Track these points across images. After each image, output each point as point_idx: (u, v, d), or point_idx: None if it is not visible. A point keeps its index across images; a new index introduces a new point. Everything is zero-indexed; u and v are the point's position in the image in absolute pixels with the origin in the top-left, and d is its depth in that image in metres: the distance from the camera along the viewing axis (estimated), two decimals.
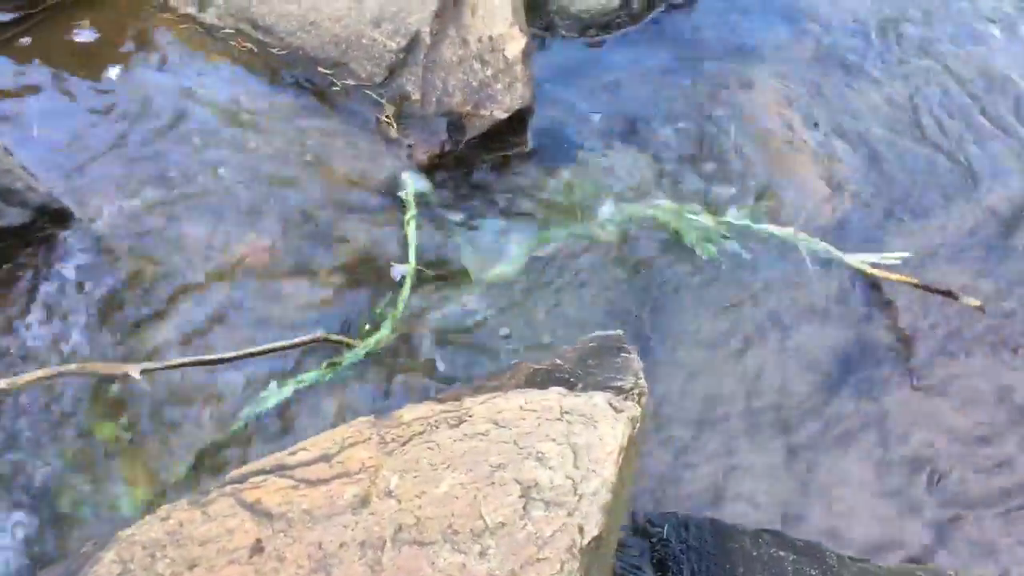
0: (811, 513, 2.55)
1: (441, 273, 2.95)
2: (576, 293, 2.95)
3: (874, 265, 3.04)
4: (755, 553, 2.25)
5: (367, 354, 2.72)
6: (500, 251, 3.04)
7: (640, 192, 3.27)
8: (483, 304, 2.90)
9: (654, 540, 2.36)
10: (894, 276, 3.01)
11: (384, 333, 2.76)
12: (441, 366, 2.72)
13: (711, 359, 2.85)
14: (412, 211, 3.03)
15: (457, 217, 3.10)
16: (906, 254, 3.06)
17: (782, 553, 2.26)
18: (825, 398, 2.79)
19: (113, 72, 3.35)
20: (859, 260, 3.06)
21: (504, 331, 2.84)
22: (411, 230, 2.99)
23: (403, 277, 2.90)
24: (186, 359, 2.55)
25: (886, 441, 2.71)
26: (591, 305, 2.93)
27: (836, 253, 3.07)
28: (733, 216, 3.20)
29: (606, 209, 3.19)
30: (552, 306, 2.91)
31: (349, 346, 2.72)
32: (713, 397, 2.76)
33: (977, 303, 2.95)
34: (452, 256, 3.01)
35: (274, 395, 2.62)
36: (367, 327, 2.78)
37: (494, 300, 2.91)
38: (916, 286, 3.00)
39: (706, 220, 3.17)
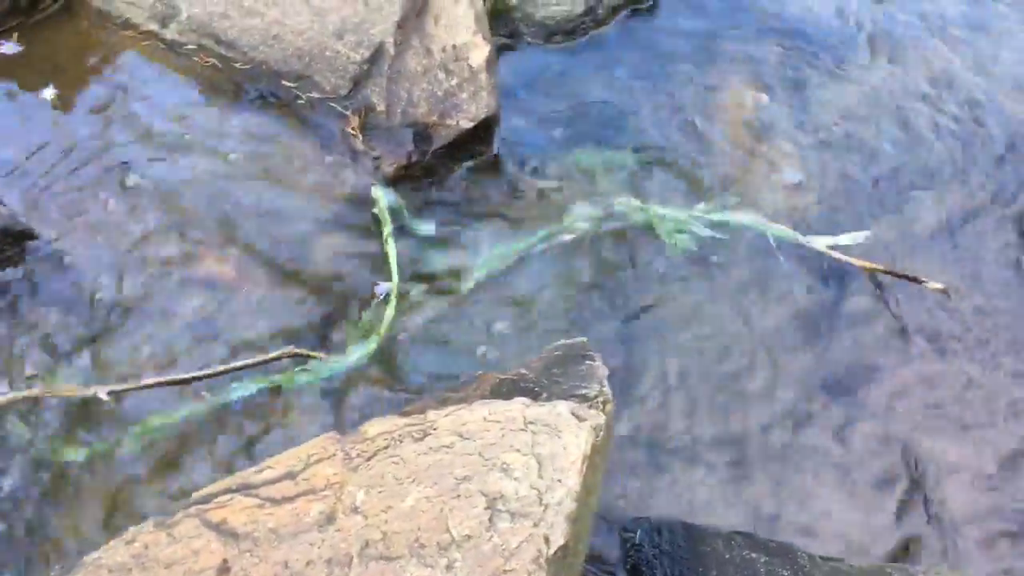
0: (784, 515, 2.56)
1: (412, 284, 2.94)
2: (548, 299, 2.95)
3: (835, 248, 3.08)
4: (728, 556, 2.26)
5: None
6: (471, 261, 3.03)
7: (608, 194, 3.27)
8: (455, 314, 2.90)
9: (627, 545, 2.36)
10: (859, 261, 3.04)
11: (371, 347, 2.75)
12: (413, 378, 2.72)
13: (681, 358, 2.85)
14: (388, 227, 3.02)
15: (425, 228, 3.09)
16: (866, 233, 3.11)
17: (754, 555, 2.27)
18: (796, 391, 2.81)
19: (76, 90, 3.33)
20: (823, 243, 3.10)
21: (479, 340, 2.84)
22: (390, 247, 2.97)
23: (387, 295, 2.89)
24: (153, 379, 2.54)
25: (859, 440, 2.73)
26: (564, 311, 2.93)
27: (801, 239, 3.11)
28: (701, 209, 3.22)
29: (576, 211, 3.19)
30: (524, 314, 2.91)
31: (319, 360, 2.71)
32: (684, 395, 2.77)
33: (941, 287, 2.99)
34: (421, 267, 3.00)
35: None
36: (351, 341, 2.78)
37: (466, 310, 2.90)
38: (881, 271, 3.03)
39: (675, 214, 3.19)
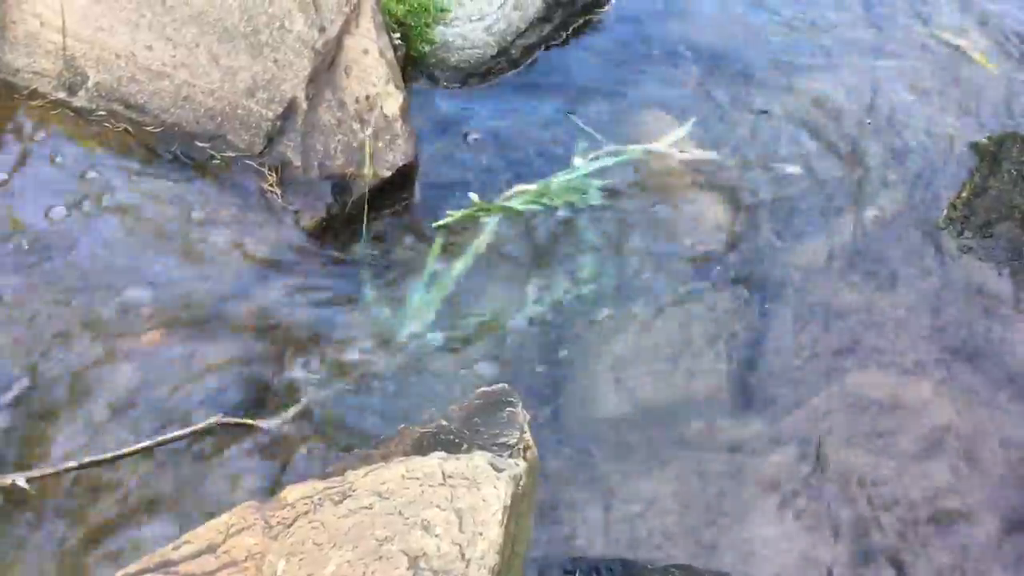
0: (721, 542, 2.56)
1: (339, 340, 2.92)
2: (477, 347, 2.96)
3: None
4: None
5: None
6: (396, 310, 3.03)
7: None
8: (381, 367, 2.88)
9: None
10: (700, 152, 3.20)
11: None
12: (340, 435, 2.69)
13: (604, 385, 2.87)
14: None
15: (349, 280, 3.08)
16: (690, 122, 3.56)
17: None
18: (726, 415, 2.83)
19: None
20: (664, 144, 3.41)
21: (408, 393, 2.82)
22: None
23: None
24: (75, 462, 2.47)
25: (794, 464, 2.75)
26: (491, 358, 2.94)
27: (649, 146, 3.50)
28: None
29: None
30: (453, 363, 2.91)
31: (249, 427, 2.67)
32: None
33: (796, 170, 3.13)
34: (347, 320, 2.98)
35: None
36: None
37: (393, 362, 2.89)
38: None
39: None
